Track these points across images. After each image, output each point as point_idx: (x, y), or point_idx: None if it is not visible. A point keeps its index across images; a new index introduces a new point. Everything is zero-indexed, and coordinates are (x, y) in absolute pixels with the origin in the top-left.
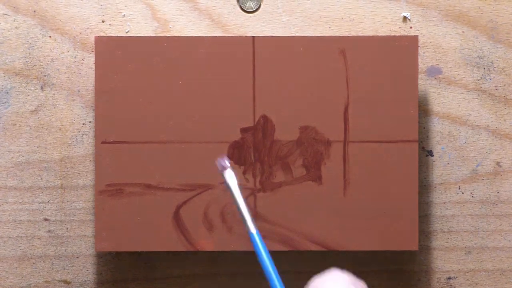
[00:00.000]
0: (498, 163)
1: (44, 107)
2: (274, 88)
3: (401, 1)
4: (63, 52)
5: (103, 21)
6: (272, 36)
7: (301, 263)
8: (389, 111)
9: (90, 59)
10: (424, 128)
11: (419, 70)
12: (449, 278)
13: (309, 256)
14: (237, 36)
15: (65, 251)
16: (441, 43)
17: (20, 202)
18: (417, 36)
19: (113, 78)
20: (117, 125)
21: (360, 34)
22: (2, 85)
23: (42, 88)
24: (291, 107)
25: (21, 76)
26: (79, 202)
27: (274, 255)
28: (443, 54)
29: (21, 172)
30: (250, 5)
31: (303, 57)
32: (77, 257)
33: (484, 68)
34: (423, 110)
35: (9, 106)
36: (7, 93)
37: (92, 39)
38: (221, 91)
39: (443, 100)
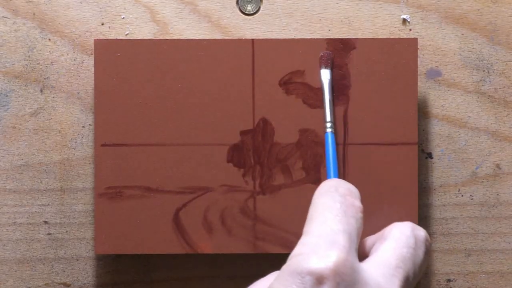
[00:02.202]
0: (497, 165)
1: (44, 109)
2: (274, 91)
3: (400, 4)
4: (62, 55)
5: (102, 24)
6: (272, 39)
7: None
8: (388, 114)
9: (90, 62)
10: (423, 130)
11: (419, 73)
12: (449, 280)
13: None
14: (236, 39)
15: (65, 253)
16: (440, 46)
17: (19, 205)
18: (417, 38)
19: (112, 81)
20: (117, 128)
21: (359, 36)
22: (2, 88)
23: (41, 90)
24: (290, 110)
25: (20, 79)
26: (78, 205)
27: (274, 257)
28: (443, 57)
29: (21, 175)
30: (250, 8)
31: (303, 60)
32: (77, 260)
33: (484, 71)
34: (423, 112)
35: (9, 108)
36: (7, 95)
37: (92, 41)
38: (220, 94)
39: (443, 102)
